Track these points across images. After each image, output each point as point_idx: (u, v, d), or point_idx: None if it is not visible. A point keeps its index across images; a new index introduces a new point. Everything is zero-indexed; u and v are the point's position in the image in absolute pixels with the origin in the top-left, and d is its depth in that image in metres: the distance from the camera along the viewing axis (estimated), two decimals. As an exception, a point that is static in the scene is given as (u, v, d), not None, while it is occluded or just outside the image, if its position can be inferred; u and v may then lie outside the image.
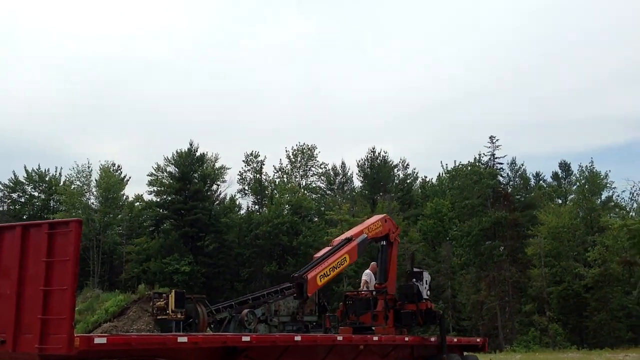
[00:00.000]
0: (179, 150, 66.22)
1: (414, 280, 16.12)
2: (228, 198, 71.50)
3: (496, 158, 57.50)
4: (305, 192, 72.40)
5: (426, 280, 16.36)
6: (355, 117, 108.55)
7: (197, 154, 66.80)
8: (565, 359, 37.21)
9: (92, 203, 65.31)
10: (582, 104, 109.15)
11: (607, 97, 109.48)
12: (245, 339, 9.83)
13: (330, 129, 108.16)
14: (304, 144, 75.58)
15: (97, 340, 7.72)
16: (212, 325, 33.73)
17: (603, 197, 63.21)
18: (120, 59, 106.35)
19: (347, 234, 15.55)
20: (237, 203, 72.69)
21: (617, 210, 64.06)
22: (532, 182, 78.63)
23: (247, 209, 72.30)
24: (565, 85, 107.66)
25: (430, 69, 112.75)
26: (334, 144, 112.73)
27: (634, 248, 53.10)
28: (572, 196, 76.39)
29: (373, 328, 14.87)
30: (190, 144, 66.68)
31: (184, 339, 8.83)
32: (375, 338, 13.22)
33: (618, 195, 70.51)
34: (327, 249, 15.00)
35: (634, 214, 61.09)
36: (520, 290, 55.07)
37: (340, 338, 12.04)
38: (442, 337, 15.40)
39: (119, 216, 66.31)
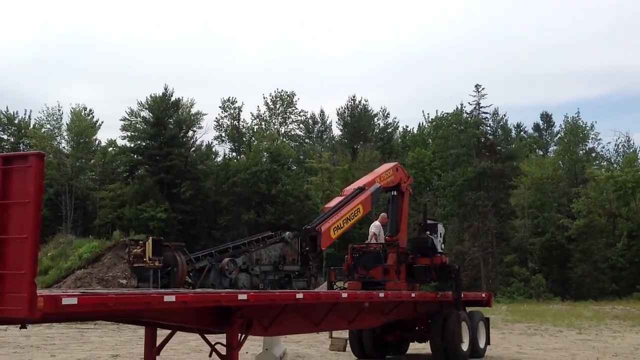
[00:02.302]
0: (153, 95, 64.01)
1: (428, 232, 14.86)
2: (204, 145, 69.76)
3: (481, 107, 56.20)
4: (284, 139, 70.73)
5: (440, 233, 15.12)
6: (334, 68, 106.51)
7: (172, 99, 64.56)
8: (551, 310, 36.60)
9: (64, 147, 63.27)
10: (561, 58, 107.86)
11: (585, 52, 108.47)
12: (242, 297, 8.38)
13: (309, 78, 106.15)
14: (283, 90, 73.63)
15: (65, 301, 6.19)
16: (191, 274, 32.45)
17: (587, 148, 62.39)
18: (91, 4, 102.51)
19: (359, 183, 14.17)
20: (214, 150, 71.03)
21: (601, 161, 63.41)
22: (513, 133, 77.78)
23: (224, 156, 70.70)
24: (546, 39, 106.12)
25: (411, 23, 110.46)
26: (312, 93, 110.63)
27: (619, 200, 52.66)
28: (553, 147, 75.94)
29: (384, 283, 13.67)
30: (165, 89, 64.40)
31: (172, 298, 7.34)
32: (381, 295, 11.89)
33: (604, 147, 70.12)
34: (338, 198, 13.61)
35: (618, 165, 60.39)
36: (504, 240, 54.44)
37: (345, 295, 10.67)
38: (458, 294, 14.18)
39: (92, 161, 64.28)
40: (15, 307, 6.00)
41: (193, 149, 66.70)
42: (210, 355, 9.34)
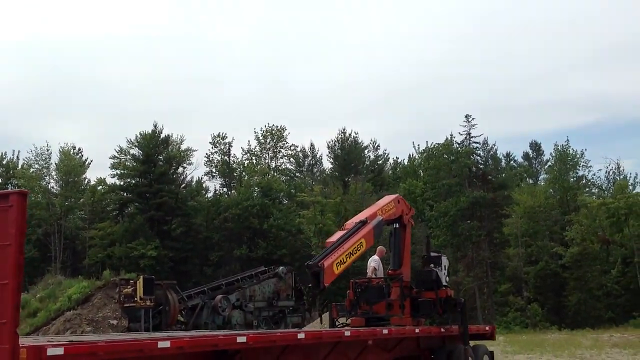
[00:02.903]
0: (142, 132, 63.62)
1: (432, 265, 14.45)
2: (195, 181, 69.28)
3: (472, 137, 56.09)
4: (275, 174, 70.40)
5: (445, 265, 14.72)
6: (323, 101, 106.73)
7: (162, 135, 64.23)
8: (549, 340, 36.08)
9: (52, 187, 62.84)
10: (541, 88, 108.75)
11: (567, 81, 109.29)
12: (241, 339, 7.92)
13: (298, 113, 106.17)
14: (273, 125, 73.50)
15: (51, 351, 5.73)
16: (183, 313, 31.79)
17: (577, 175, 62.31)
18: (77, 43, 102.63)
19: (361, 216, 13.81)
20: (205, 186, 70.50)
21: (592, 188, 63.37)
22: (503, 162, 77.83)
23: (215, 192, 70.23)
24: (527, 69, 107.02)
25: (397, 54, 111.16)
26: (301, 126, 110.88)
27: (612, 227, 52.37)
28: (543, 176, 76.01)
29: (388, 318, 13.23)
30: (155, 126, 64.09)
31: (166, 344, 6.87)
32: (385, 331, 11.42)
33: (594, 174, 70.10)
34: (340, 233, 13.23)
35: (610, 192, 60.30)
36: (498, 270, 54.00)
37: (347, 333, 10.20)
38: (464, 327, 13.76)
39: (81, 200, 63.67)
40: (-5, 361, 5.54)
41: (183, 185, 66.22)
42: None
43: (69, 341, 6.33)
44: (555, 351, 27.87)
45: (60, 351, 5.83)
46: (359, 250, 12.57)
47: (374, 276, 14.36)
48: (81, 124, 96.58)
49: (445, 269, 14.68)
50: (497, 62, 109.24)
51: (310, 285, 11.83)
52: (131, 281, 30.72)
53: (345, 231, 13.05)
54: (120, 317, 34.93)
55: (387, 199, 15.20)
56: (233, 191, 66.18)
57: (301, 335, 9.01)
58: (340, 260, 11.93)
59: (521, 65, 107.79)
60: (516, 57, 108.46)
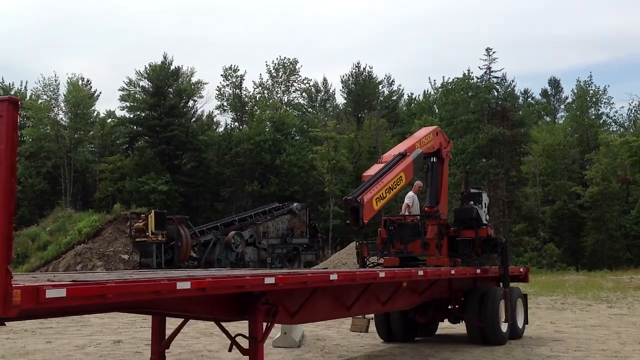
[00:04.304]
0: (152, 64, 62.17)
1: (471, 202, 13.42)
2: (205, 115, 68.08)
3: (492, 72, 54.34)
4: (287, 108, 68.98)
5: (485, 203, 13.66)
6: (336, 34, 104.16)
7: (172, 67, 62.80)
8: (568, 281, 35.34)
9: (61, 119, 61.83)
10: (565, 23, 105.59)
11: (585, 17, 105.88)
12: (269, 280, 6.92)
13: (310, 46, 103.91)
14: (285, 57, 71.66)
15: (51, 294, 4.73)
16: (195, 248, 31.18)
17: (599, 112, 60.79)
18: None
19: (399, 149, 12.68)
20: (215, 120, 69.35)
21: (613, 127, 61.85)
22: (521, 100, 76.07)
23: (226, 126, 69.07)
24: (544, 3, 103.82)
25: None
26: (314, 61, 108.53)
27: (633, 166, 51.16)
28: (561, 114, 74.38)
29: (424, 258, 12.29)
30: (164, 57, 62.63)
31: (186, 285, 5.87)
32: (420, 272, 10.45)
33: (616, 112, 68.48)
34: (377, 166, 12.13)
35: (632, 130, 58.80)
36: (515, 209, 53.03)
37: (382, 275, 9.22)
38: (505, 269, 12.79)
39: (90, 133, 62.70)
40: (-16, 303, 4.55)
41: (194, 119, 65.06)
42: (230, 350, 7.94)
43: (73, 280, 5.32)
44: (577, 293, 27.08)
45: (62, 293, 4.82)
46: (398, 185, 11.54)
47: (407, 213, 13.39)
48: (89, 55, 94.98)
49: (485, 207, 13.65)
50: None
51: (347, 222, 10.82)
52: (142, 215, 30.05)
53: (383, 164, 11.98)
54: (132, 251, 34.40)
55: (424, 130, 14.10)
56: (245, 126, 64.96)
57: (334, 277, 8.00)
58: (380, 195, 10.92)
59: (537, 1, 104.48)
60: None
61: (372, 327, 13.59)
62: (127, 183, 56.15)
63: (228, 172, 59.73)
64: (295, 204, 35.93)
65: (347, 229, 53.09)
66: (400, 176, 11.57)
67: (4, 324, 5.54)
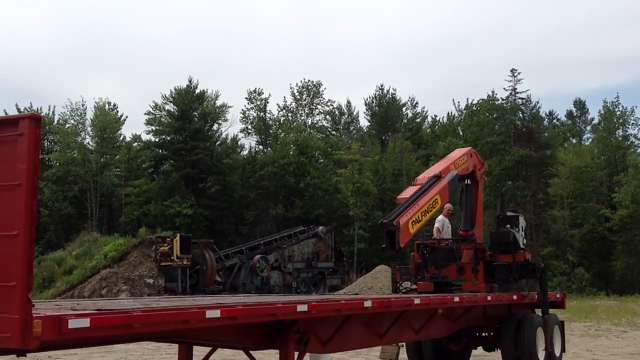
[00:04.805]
0: (177, 88, 62.58)
1: (508, 225, 13.02)
2: (230, 138, 68.16)
3: (517, 93, 53.80)
4: (311, 131, 68.89)
5: (522, 226, 13.27)
6: (359, 56, 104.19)
7: (197, 91, 63.15)
8: (600, 306, 34.56)
9: (88, 143, 62.33)
10: (583, 44, 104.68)
11: (609, 37, 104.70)
12: (302, 308, 6.60)
13: (333, 69, 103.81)
14: (309, 80, 71.69)
15: (74, 324, 4.47)
16: (220, 273, 30.85)
17: (626, 133, 59.80)
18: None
19: (434, 171, 12.42)
20: (240, 143, 69.41)
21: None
22: (545, 121, 75.26)
23: (250, 149, 69.12)
24: (568, 22, 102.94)
25: (435, 5, 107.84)
26: (337, 84, 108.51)
27: (665, 188, 50.13)
28: (587, 135, 73.45)
29: (459, 284, 11.90)
30: (190, 81, 62.99)
31: (216, 313, 5.57)
32: (456, 299, 10.05)
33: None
34: (412, 189, 11.86)
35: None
36: (543, 232, 52.17)
37: (417, 301, 8.84)
38: (544, 295, 12.36)
39: (117, 157, 63.03)
40: (3, 334, 4.28)
41: (218, 142, 65.18)
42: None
43: (97, 309, 5.03)
44: (611, 319, 26.37)
45: (85, 323, 4.54)
46: (433, 208, 11.28)
47: (438, 237, 13.03)
48: (115, 80, 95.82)
49: (522, 230, 13.26)
50: (537, 16, 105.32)
51: (383, 246, 10.49)
52: (168, 239, 29.82)
53: (418, 187, 11.65)
54: (157, 276, 34.19)
55: (458, 152, 13.81)
56: (269, 149, 64.93)
57: (368, 303, 7.67)
58: (416, 219, 10.63)
59: (560, 20, 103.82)
60: (552, 11, 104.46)
61: (402, 354, 13.16)
62: (153, 207, 56.25)
63: (252, 196, 59.63)
64: (321, 227, 35.51)
65: (371, 253, 52.51)
66: (436, 199, 11.27)
67: (25, 355, 5.25)
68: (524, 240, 13.37)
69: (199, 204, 56.75)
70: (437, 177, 11.83)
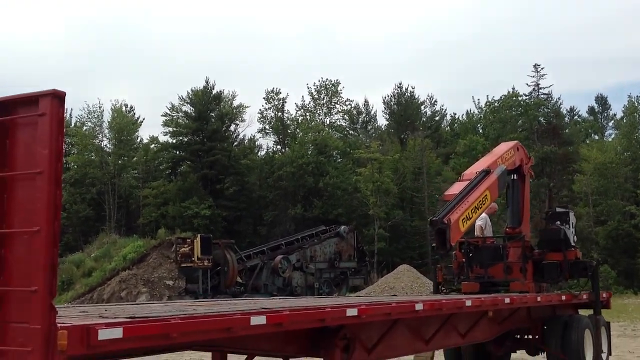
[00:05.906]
0: (194, 89, 62.21)
1: (557, 222, 12.31)
2: (247, 138, 67.68)
3: (541, 88, 52.84)
4: (330, 130, 68.23)
5: (572, 223, 12.56)
6: (376, 55, 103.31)
7: (214, 92, 62.74)
8: (630, 305, 33.67)
9: (105, 145, 62.17)
10: (603, 40, 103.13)
11: (624, 34, 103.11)
12: (351, 312, 5.96)
13: (351, 67, 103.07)
14: (327, 79, 70.98)
15: (105, 335, 3.84)
16: (242, 274, 30.34)
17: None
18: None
19: (481, 165, 11.70)
20: (257, 143, 68.90)
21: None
22: (567, 118, 74.20)
23: (268, 149, 68.59)
24: (586, 20, 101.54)
25: (452, 3, 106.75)
26: (355, 83, 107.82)
27: (692, 184, 49.07)
28: (609, 131, 72.38)
29: (507, 284, 11.22)
30: (206, 82, 62.58)
31: (261, 320, 4.94)
32: (507, 300, 9.37)
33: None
34: (460, 184, 11.16)
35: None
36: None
37: (469, 303, 8.17)
38: (596, 295, 11.68)
39: (134, 159, 62.84)
40: (22, 348, 3.67)
41: (236, 143, 64.72)
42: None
43: (130, 317, 4.40)
44: (646, 319, 25.54)
45: (117, 333, 3.90)
46: (483, 204, 10.58)
47: (481, 235, 12.34)
48: (132, 81, 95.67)
49: (573, 227, 12.54)
50: (553, 14, 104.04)
51: (433, 245, 9.82)
52: (188, 240, 29.35)
53: (466, 182, 10.97)
54: (177, 277, 33.69)
55: (504, 146, 13.08)
56: (287, 149, 64.36)
57: (419, 306, 7.02)
58: (467, 216, 9.97)
59: (578, 16, 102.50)
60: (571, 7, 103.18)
61: (437, 357, 12.50)
62: (171, 208, 55.89)
63: (271, 196, 59.09)
64: (343, 226, 34.90)
65: (392, 252, 51.65)
66: (486, 195, 10.57)
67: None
68: (575, 237, 12.64)
69: (217, 205, 56.32)
70: (486, 172, 11.13)
